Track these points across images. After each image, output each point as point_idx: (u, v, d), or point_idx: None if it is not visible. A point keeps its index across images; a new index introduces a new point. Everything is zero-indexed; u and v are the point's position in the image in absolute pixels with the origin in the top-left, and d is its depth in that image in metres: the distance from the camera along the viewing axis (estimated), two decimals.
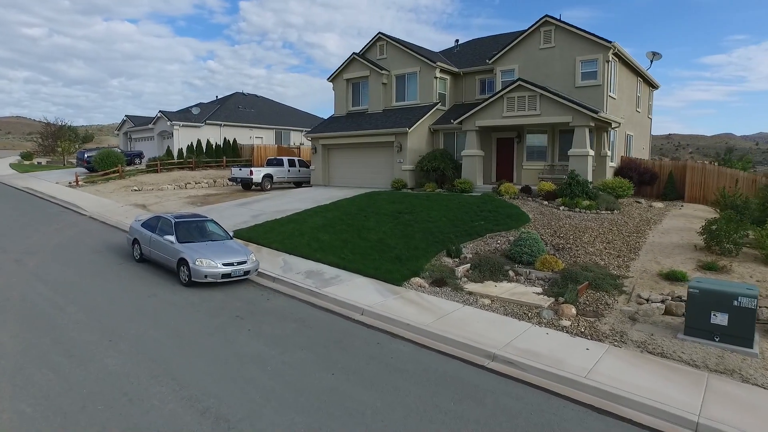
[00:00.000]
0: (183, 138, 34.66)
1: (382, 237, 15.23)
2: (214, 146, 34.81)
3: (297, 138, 43.32)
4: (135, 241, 13.16)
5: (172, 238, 11.67)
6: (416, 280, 11.95)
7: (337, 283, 11.82)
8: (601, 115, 18.63)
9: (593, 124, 18.85)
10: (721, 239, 11.72)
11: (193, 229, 12.28)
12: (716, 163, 24.72)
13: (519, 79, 19.87)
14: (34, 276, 11.35)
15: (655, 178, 21.68)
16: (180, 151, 33.25)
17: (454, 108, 25.94)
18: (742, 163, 26.00)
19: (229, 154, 35.30)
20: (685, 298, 10.15)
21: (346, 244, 14.84)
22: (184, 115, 36.51)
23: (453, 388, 7.03)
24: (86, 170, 31.90)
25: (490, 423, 6.13)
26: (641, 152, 27.11)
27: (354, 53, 27.54)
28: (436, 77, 24.84)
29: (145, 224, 13.04)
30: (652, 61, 25.22)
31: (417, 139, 24.17)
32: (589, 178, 18.59)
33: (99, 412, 5.85)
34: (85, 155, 32.59)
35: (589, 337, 9.02)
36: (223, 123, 37.15)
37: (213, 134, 36.30)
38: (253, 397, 6.36)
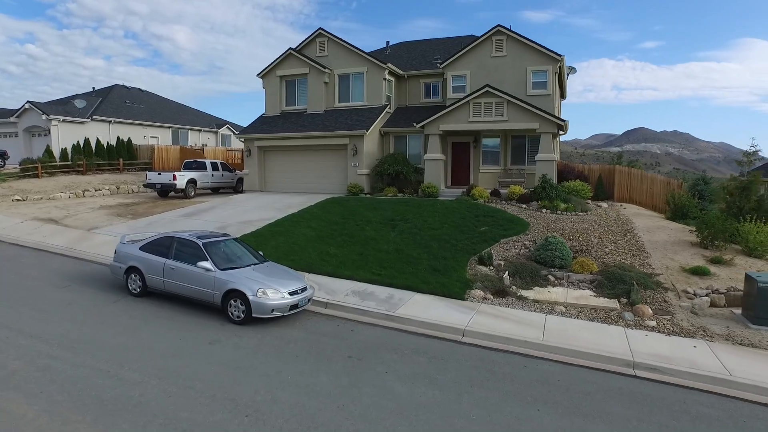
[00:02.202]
0: (64, 136, 28.49)
1: (397, 247, 14.32)
2: (105, 146, 29.32)
3: (195, 138, 38.83)
4: (131, 270, 10.26)
5: (207, 264, 9.34)
6: (477, 292, 11.44)
7: (400, 303, 10.73)
8: (567, 123, 20.09)
9: (557, 131, 20.26)
10: (717, 237, 13.44)
11: (225, 252, 10.02)
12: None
13: (487, 86, 20.40)
14: (9, 330, 8.12)
15: (586, 181, 24.12)
16: (63, 151, 27.27)
17: (398, 111, 25.70)
18: (638, 167, 30.42)
19: (124, 155, 30.09)
20: (723, 291, 11.48)
21: (365, 257, 13.61)
22: (65, 109, 30.01)
23: (650, 406, 6.81)
24: None
25: None
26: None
27: (290, 48, 25.59)
28: (385, 79, 24.30)
29: (148, 248, 10.24)
30: (568, 75, 28.05)
31: (370, 142, 23.37)
32: (555, 182, 19.89)
33: None
34: None
35: (681, 334, 9.56)
36: (113, 119, 31.46)
37: (102, 132, 30.55)
38: None
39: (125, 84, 38.99)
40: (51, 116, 28.18)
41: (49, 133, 28.53)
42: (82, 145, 28.11)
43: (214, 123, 41.35)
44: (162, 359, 7.35)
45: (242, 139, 25.74)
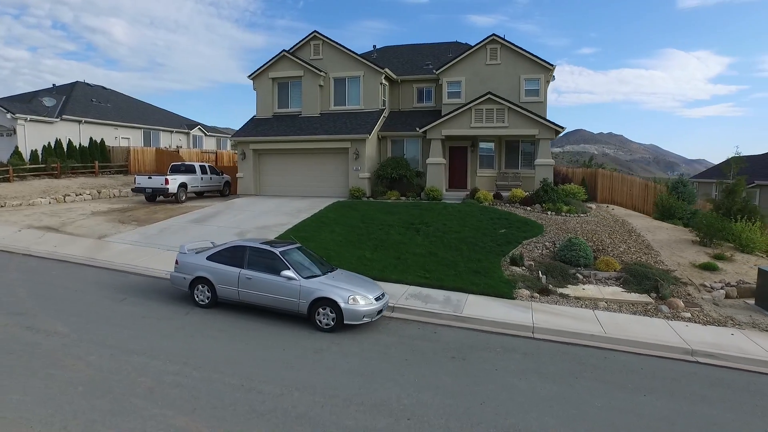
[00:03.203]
0: (32, 136, 26.58)
1: (429, 251, 14.82)
2: (78, 147, 27.68)
3: (167, 139, 37.32)
4: (199, 281, 10.08)
5: (290, 273, 9.40)
6: (524, 291, 12.18)
7: (460, 304, 11.26)
8: (563, 129, 21.34)
9: (554, 136, 21.50)
10: (715, 235, 14.98)
11: (299, 260, 10.07)
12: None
13: (488, 93, 21.31)
14: (109, 348, 7.85)
15: (570, 183, 25.67)
16: (33, 153, 25.50)
17: (392, 115, 26.16)
18: (612, 169, 32.60)
19: (97, 157, 28.53)
20: (734, 284, 12.88)
21: (403, 261, 14.01)
22: (31, 107, 27.92)
23: (731, 389, 7.76)
24: None
25: None
26: None
27: (284, 50, 25.38)
28: (381, 83, 24.68)
29: (218, 257, 10.09)
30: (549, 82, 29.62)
31: (371, 145, 23.67)
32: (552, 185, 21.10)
33: None
34: None
35: (715, 324, 10.72)
36: (83, 119, 29.67)
37: (72, 132, 28.78)
38: None
39: (87, 81, 36.80)
40: (17, 115, 26.21)
41: (15, 133, 26.52)
42: (53, 147, 26.40)
43: (185, 124, 39.91)
44: (282, 370, 7.43)
45: (235, 142, 25.22)
